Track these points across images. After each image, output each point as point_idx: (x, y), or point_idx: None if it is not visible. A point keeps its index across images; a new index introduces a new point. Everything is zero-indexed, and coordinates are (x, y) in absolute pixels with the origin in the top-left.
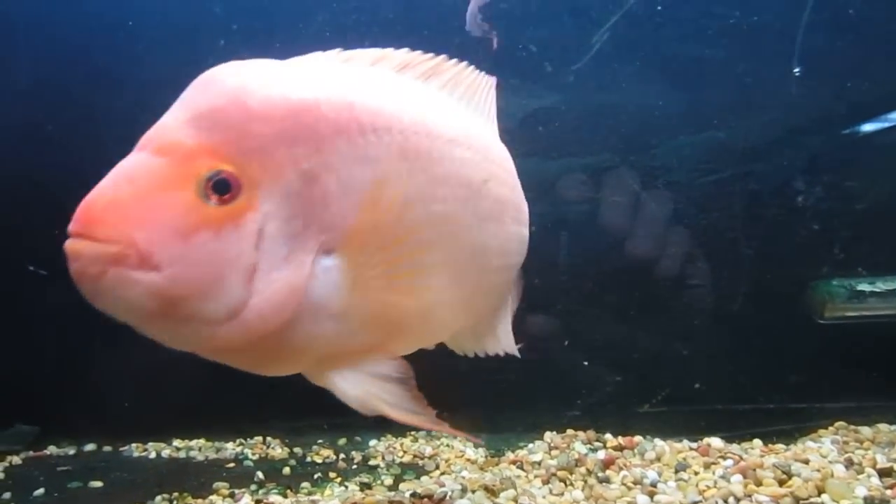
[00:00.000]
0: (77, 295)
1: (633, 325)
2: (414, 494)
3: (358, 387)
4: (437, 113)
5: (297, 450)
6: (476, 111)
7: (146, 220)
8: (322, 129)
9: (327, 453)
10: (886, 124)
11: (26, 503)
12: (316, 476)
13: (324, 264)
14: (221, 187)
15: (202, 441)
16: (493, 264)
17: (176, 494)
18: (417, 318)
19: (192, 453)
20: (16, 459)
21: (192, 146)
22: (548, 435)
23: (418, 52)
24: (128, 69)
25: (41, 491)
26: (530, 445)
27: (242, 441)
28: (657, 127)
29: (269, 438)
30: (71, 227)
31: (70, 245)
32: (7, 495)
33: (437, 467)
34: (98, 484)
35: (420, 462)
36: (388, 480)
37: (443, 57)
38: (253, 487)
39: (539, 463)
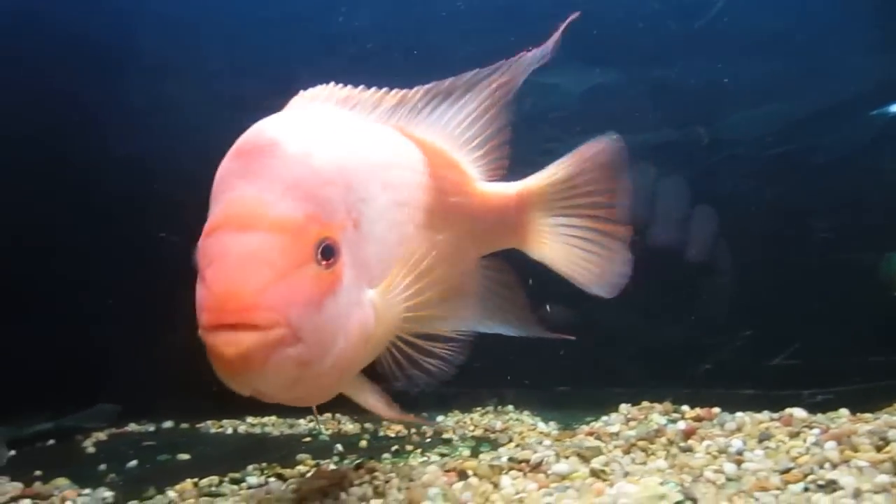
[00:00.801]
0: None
1: (699, 301)
2: (511, 459)
3: (370, 398)
4: (394, 144)
5: (368, 425)
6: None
7: (293, 298)
8: (358, 179)
9: (398, 428)
10: None
11: (122, 473)
12: (393, 448)
13: (369, 298)
14: (328, 253)
15: (274, 418)
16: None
17: (265, 465)
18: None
19: (267, 429)
20: (101, 436)
21: (300, 219)
22: (623, 407)
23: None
24: None
25: (134, 462)
26: (605, 418)
27: (313, 417)
28: (721, 101)
29: (338, 415)
30: (217, 319)
31: (224, 339)
32: (103, 467)
33: (511, 440)
34: (185, 456)
35: (492, 435)
36: (465, 452)
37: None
38: (335, 459)
39: (617, 434)
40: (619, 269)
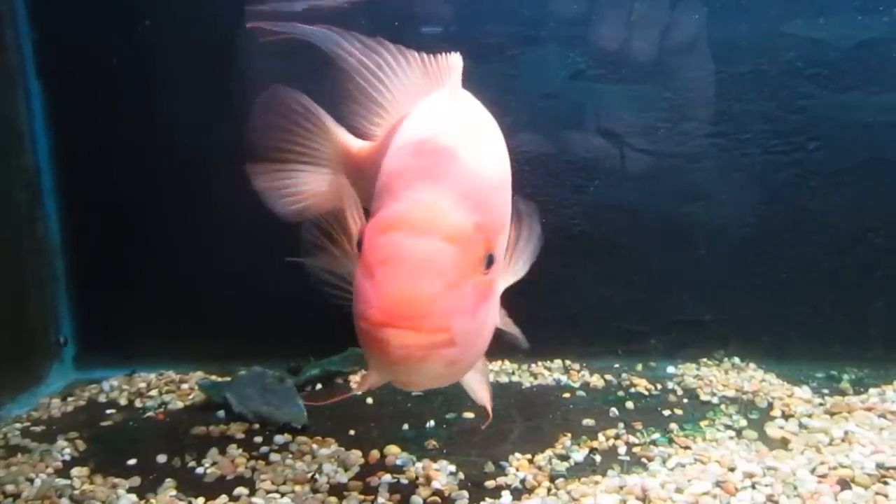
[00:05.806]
0: None
1: None
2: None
3: (479, 384)
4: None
5: (610, 378)
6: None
7: (458, 307)
8: (508, 180)
9: (640, 382)
10: None
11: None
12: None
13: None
14: (489, 262)
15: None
16: None
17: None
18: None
19: (515, 378)
20: (357, 378)
21: (471, 229)
22: None
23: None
24: None
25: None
26: (878, 391)
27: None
28: None
29: (567, 362)
30: (389, 320)
31: (394, 336)
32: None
33: (772, 406)
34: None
35: (745, 397)
36: (742, 421)
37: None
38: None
39: None
40: None
